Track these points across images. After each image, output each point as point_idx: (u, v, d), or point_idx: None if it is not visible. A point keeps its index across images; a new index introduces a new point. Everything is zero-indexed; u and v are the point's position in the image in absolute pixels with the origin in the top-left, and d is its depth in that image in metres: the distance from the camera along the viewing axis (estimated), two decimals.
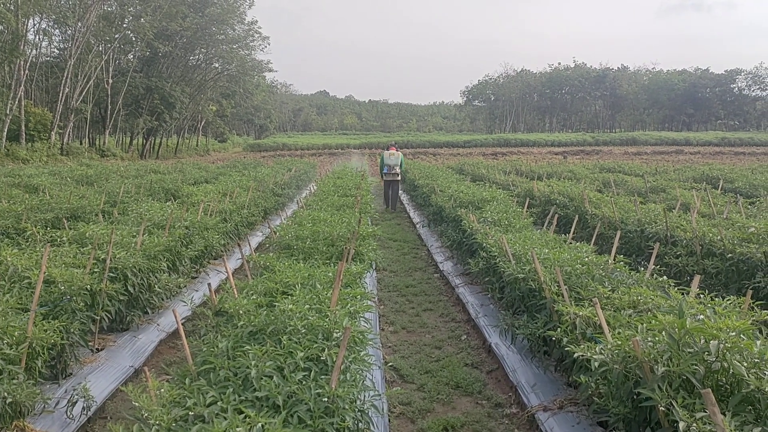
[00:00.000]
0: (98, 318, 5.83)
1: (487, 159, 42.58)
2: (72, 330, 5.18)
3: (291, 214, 10.59)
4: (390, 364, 6.19)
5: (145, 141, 52.81)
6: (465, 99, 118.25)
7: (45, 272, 5.10)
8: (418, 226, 15.00)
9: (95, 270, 5.94)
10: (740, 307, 4.03)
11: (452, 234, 10.43)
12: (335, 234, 7.12)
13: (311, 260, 6.27)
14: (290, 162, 31.84)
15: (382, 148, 20.73)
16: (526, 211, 10.21)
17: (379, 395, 3.58)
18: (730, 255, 6.85)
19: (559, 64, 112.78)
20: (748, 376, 3.01)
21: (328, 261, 6.33)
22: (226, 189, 14.02)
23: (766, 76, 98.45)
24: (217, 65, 58.65)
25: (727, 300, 4.00)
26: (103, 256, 6.14)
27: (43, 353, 4.63)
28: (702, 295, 4.25)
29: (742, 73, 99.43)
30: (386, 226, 15.47)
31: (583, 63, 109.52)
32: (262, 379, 3.11)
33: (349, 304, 4.32)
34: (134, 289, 6.50)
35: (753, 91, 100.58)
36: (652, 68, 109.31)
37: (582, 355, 3.76)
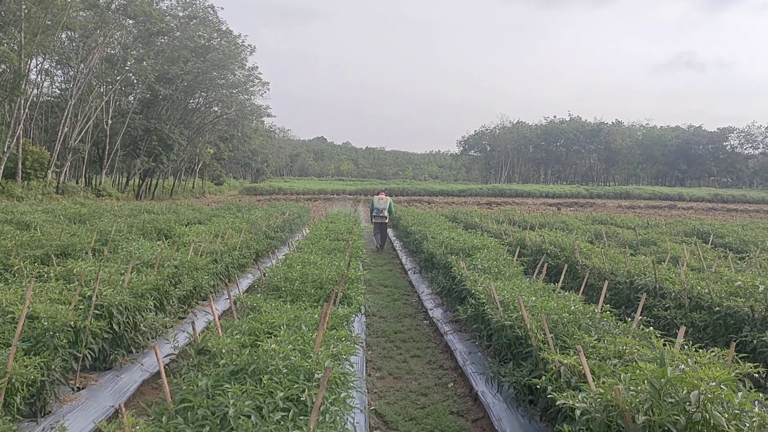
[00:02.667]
0: (81, 356, 5.77)
1: (482, 208, 42.78)
2: (53, 367, 5.13)
3: (283, 256, 10.59)
4: (373, 408, 6.12)
5: (141, 182, 53.01)
6: (461, 148, 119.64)
7: (29, 307, 5.07)
8: (409, 272, 14.98)
9: (80, 306, 5.90)
10: (724, 359, 4.02)
11: (442, 280, 10.42)
12: (324, 277, 7.13)
13: (299, 302, 6.25)
14: (284, 206, 31.93)
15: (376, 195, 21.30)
16: (517, 260, 10.23)
17: None
18: (717, 308, 6.86)
19: (555, 117, 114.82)
20: (729, 428, 3.00)
21: (315, 303, 6.32)
22: (219, 230, 14.03)
23: (758, 135, 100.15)
24: (216, 109, 59.31)
25: (711, 351, 4.00)
26: (89, 293, 6.11)
27: (23, 389, 4.57)
28: (686, 347, 4.25)
29: (735, 132, 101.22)
30: (378, 271, 15.46)
31: (578, 117, 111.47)
32: (240, 418, 3.08)
33: (333, 346, 4.30)
34: (119, 327, 6.45)
35: (745, 149, 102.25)
36: (646, 124, 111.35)
37: (565, 404, 3.74)
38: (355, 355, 5.32)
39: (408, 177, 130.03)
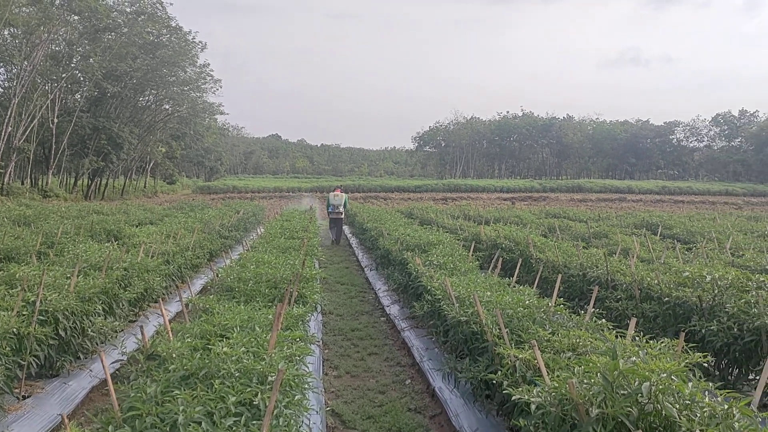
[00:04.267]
0: (25, 363, 5.56)
1: (437, 204, 43.02)
2: None
3: (237, 256, 10.43)
4: (330, 408, 6.07)
5: (90, 182, 51.61)
6: (416, 145, 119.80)
7: None
8: (366, 269, 14.95)
9: (24, 313, 5.69)
10: (674, 349, 4.09)
11: (399, 277, 10.41)
12: (279, 276, 7.03)
13: (253, 303, 6.15)
14: (239, 204, 31.54)
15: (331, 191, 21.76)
16: (472, 255, 10.28)
17: None
18: (666, 299, 7.00)
19: (508, 112, 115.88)
20: (680, 418, 3.03)
21: (270, 303, 6.22)
22: (171, 230, 13.74)
23: (702, 129, 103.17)
24: (167, 107, 58.13)
25: (661, 342, 4.06)
26: (33, 298, 5.89)
27: None
28: (638, 338, 4.31)
29: (681, 125, 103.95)
30: (334, 269, 15.38)
31: (530, 112, 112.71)
32: (190, 425, 2.99)
33: (287, 347, 4.23)
34: (66, 332, 6.24)
35: (691, 142, 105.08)
36: (596, 118, 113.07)
37: (521, 398, 3.75)
38: (311, 355, 5.26)
39: (363, 173, 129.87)
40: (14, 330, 5.31)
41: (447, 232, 15.16)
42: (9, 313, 5.47)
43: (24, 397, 5.80)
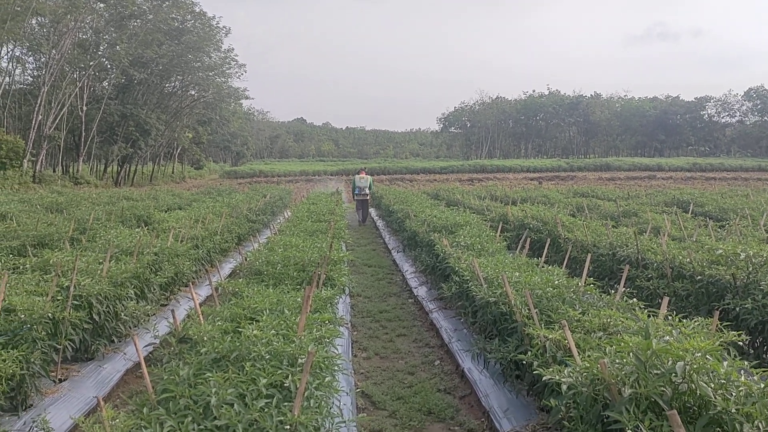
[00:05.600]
0: (61, 347, 5.68)
1: (463, 185, 42.78)
2: (32, 360, 5.04)
3: (265, 240, 10.52)
4: (359, 390, 6.10)
5: (119, 168, 52.33)
6: (441, 126, 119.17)
7: (4, 300, 4.96)
8: (393, 251, 14.96)
9: (58, 297, 5.80)
10: (708, 328, 4.03)
11: (426, 258, 10.40)
12: (306, 259, 7.06)
13: (281, 286, 6.19)
14: (265, 188, 31.73)
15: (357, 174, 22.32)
16: (500, 235, 10.22)
17: (345, 422, 3.50)
18: (699, 277, 6.90)
19: (534, 91, 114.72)
20: (715, 398, 2.99)
21: (298, 286, 6.26)
22: (199, 215, 13.88)
23: (734, 104, 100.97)
24: (193, 92, 58.45)
25: (695, 321, 4.00)
26: (66, 284, 6.00)
27: (1, 384, 4.48)
28: (670, 317, 4.25)
29: (712, 101, 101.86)
30: (361, 251, 15.42)
31: (557, 90, 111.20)
32: (222, 407, 3.03)
33: (316, 330, 4.25)
34: (99, 317, 6.35)
35: (722, 117, 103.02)
36: (624, 95, 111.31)
37: (551, 379, 3.73)
38: (340, 337, 5.28)
39: (389, 156, 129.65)
40: (49, 315, 5.41)
41: (474, 213, 15.09)
42: (44, 298, 5.58)
43: (60, 380, 5.92)
